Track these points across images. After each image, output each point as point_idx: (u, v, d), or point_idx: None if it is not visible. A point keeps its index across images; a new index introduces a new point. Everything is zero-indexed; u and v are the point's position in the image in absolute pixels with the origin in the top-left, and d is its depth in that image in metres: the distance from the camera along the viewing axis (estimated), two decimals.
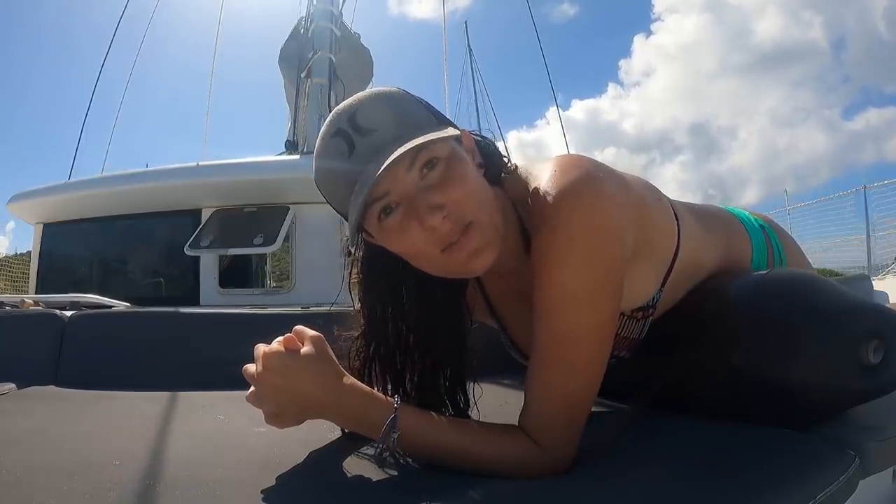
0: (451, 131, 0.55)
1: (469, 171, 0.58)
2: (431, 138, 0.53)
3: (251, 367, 0.60)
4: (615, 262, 0.59)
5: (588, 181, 0.59)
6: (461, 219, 0.56)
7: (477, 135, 0.67)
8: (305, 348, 0.59)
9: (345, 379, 0.59)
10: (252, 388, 0.59)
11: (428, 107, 0.60)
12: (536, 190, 0.60)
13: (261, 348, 0.59)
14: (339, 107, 0.59)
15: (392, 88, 0.59)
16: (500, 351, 0.82)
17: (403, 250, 0.59)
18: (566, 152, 1.15)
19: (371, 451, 0.61)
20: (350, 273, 0.69)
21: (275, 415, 0.59)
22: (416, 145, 0.52)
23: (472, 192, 0.57)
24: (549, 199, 0.58)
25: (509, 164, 0.68)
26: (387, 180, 0.54)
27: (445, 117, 0.61)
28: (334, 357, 0.61)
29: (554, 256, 0.57)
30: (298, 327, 0.61)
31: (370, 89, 0.60)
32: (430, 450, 0.59)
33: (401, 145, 0.52)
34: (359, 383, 0.61)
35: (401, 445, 0.58)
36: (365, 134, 0.55)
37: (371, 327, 0.69)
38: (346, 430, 0.67)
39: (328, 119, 0.59)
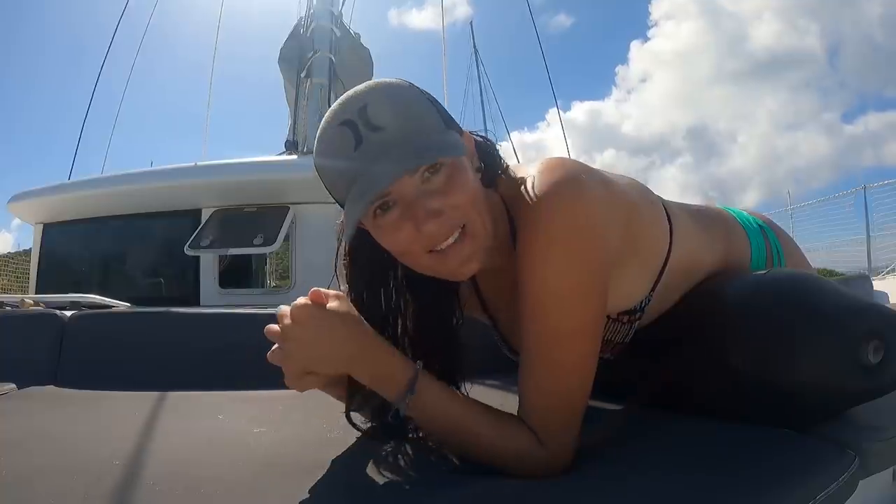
0: (457, 144, 0.56)
1: (469, 177, 0.59)
2: (440, 158, 0.55)
3: (275, 326, 0.59)
4: (597, 262, 0.59)
5: (570, 182, 0.59)
6: (456, 224, 0.57)
7: (478, 136, 0.67)
8: (332, 303, 0.58)
9: (371, 334, 0.60)
10: (275, 346, 0.58)
11: (436, 105, 0.60)
12: (522, 191, 0.61)
13: (284, 307, 0.59)
14: (348, 94, 0.58)
15: (401, 82, 0.59)
16: (497, 349, 0.82)
17: (392, 247, 0.60)
18: (566, 153, 1.15)
19: (368, 452, 0.61)
20: (339, 259, 0.68)
21: (298, 374, 0.58)
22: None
23: (470, 199, 0.58)
24: (533, 199, 0.59)
25: (502, 163, 0.68)
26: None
27: (451, 118, 0.61)
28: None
29: (536, 256, 0.58)
30: (317, 288, 0.60)
31: (380, 80, 0.59)
32: (437, 419, 0.59)
33: (408, 147, 0.54)
34: (383, 340, 0.60)
35: (412, 408, 0.58)
36: (373, 129, 0.54)
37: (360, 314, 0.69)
38: (344, 422, 0.67)
39: (336, 105, 0.58)
